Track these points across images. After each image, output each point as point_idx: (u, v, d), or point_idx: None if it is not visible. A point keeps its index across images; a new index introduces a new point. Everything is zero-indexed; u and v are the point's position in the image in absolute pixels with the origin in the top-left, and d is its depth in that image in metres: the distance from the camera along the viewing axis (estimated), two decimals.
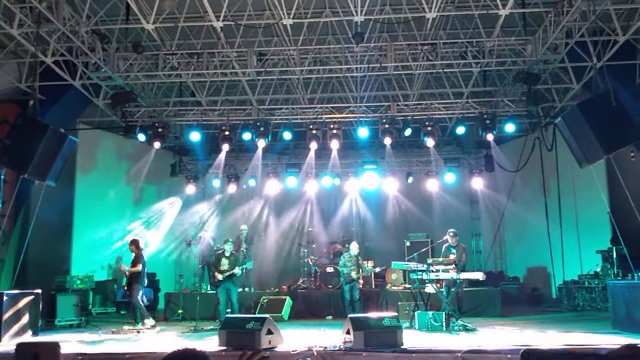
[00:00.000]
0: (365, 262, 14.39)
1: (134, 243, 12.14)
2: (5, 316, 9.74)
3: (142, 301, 12.00)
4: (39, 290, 10.81)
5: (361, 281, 13.63)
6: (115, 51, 13.09)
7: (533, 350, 6.60)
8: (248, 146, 17.48)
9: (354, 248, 13.49)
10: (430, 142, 15.18)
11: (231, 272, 12.24)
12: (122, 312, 15.25)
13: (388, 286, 14.66)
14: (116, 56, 13.14)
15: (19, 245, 13.12)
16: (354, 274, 13.08)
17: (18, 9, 10.53)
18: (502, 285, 16.07)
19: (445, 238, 12.04)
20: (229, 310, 12.24)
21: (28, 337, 9.98)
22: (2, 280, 13.05)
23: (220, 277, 12.28)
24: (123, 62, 13.29)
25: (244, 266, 12.61)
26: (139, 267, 11.86)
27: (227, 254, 12.55)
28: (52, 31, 11.46)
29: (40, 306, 10.81)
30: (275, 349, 8.10)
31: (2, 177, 12.84)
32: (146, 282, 12.26)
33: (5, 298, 9.87)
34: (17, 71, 13.92)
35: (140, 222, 17.32)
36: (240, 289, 13.41)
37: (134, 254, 12.04)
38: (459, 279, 10.92)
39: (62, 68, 12.85)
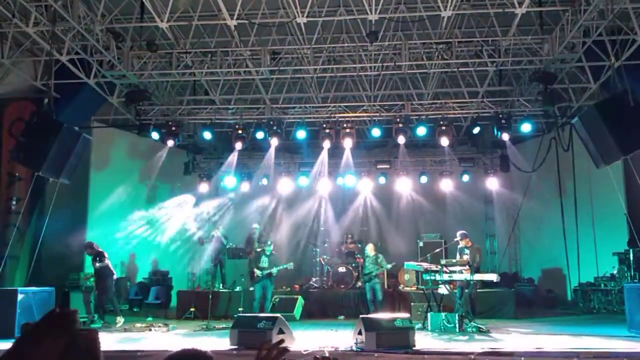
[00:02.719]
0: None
1: (88, 245, 12.51)
2: (19, 313, 9.80)
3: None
4: (52, 288, 10.90)
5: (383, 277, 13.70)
6: (129, 49, 13.12)
7: None
8: (261, 145, 17.47)
9: (370, 250, 13.50)
10: (444, 142, 15.09)
11: (269, 270, 12.84)
12: (135, 310, 15.32)
13: (401, 287, 14.59)
14: (130, 54, 13.18)
15: (34, 243, 13.18)
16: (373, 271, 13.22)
17: (34, 8, 10.59)
18: (517, 287, 15.90)
19: (456, 240, 11.97)
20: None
21: None
22: (16, 277, 13.14)
23: (259, 273, 12.77)
24: (137, 60, 13.33)
25: (283, 266, 13.13)
26: (106, 261, 12.21)
27: (267, 253, 13.11)
28: (67, 29, 11.51)
29: (54, 303, 10.91)
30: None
31: (17, 174, 12.98)
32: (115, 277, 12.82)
33: (19, 295, 9.96)
34: (32, 69, 13.98)
35: (146, 219, 17.24)
36: (252, 288, 13.41)
37: (93, 255, 12.28)
38: (472, 280, 10.82)
39: (77, 66, 12.91)
